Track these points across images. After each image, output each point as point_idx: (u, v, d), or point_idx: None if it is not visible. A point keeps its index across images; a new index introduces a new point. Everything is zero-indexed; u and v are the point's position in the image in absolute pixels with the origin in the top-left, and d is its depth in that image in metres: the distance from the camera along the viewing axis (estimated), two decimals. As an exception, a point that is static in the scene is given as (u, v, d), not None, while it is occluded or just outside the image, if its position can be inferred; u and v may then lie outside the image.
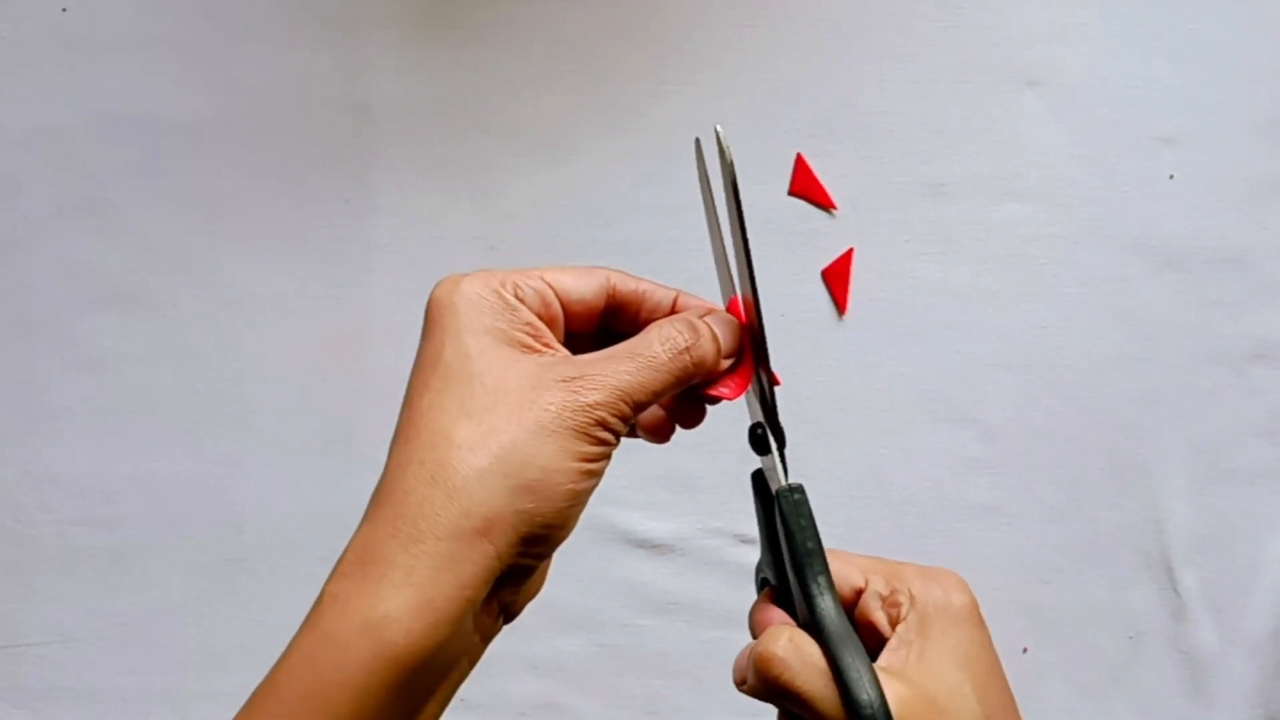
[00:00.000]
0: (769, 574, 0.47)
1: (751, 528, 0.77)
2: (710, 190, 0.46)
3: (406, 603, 0.38)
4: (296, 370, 0.77)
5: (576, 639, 0.76)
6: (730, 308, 0.47)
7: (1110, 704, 0.77)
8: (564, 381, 0.41)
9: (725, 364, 0.45)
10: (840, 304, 0.77)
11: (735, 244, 0.44)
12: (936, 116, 0.78)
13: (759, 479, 0.47)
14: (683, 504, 0.77)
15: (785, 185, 0.78)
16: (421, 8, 0.78)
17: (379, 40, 0.78)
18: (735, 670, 0.45)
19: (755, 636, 0.46)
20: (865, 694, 0.40)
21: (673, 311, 0.46)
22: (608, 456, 0.42)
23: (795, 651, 0.42)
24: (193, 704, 0.76)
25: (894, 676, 0.42)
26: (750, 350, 0.46)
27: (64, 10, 0.78)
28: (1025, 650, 0.76)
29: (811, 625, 0.43)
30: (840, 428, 0.77)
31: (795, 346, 0.77)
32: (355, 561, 0.40)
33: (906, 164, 0.78)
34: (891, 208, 0.78)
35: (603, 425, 0.41)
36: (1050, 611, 0.77)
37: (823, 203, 0.78)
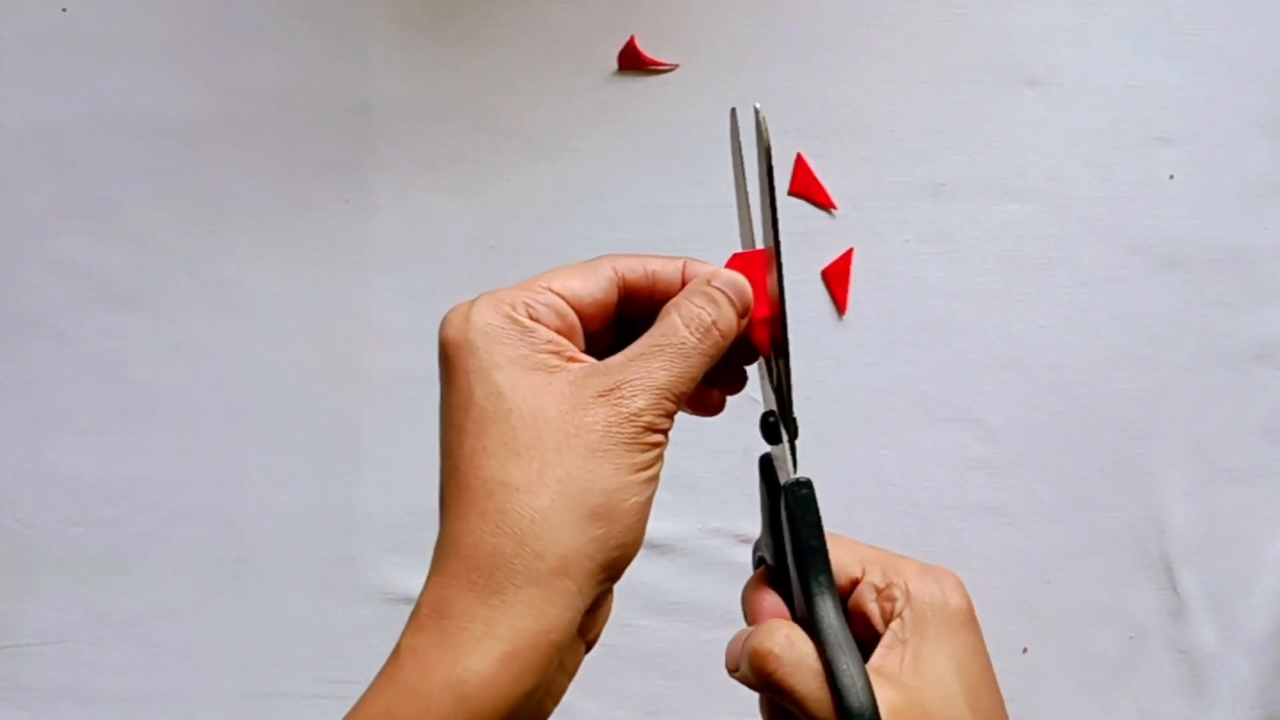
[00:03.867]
0: (767, 555, 0.47)
1: (752, 528, 0.77)
2: (742, 162, 0.46)
3: (490, 656, 0.38)
4: (296, 370, 0.77)
5: (576, 639, 0.76)
6: (731, 264, 0.45)
7: (1110, 704, 0.77)
8: (602, 396, 0.40)
9: (743, 322, 0.44)
10: (840, 304, 0.77)
11: (764, 222, 0.44)
12: (936, 116, 0.78)
13: (766, 465, 0.46)
14: (683, 504, 0.77)
15: (785, 185, 0.78)
16: (421, 8, 0.78)
17: (380, 40, 0.78)
18: (728, 656, 0.45)
19: (747, 615, 0.46)
20: (858, 700, 0.40)
21: (683, 284, 0.44)
22: (661, 458, 0.41)
23: (791, 650, 0.42)
24: (193, 704, 0.76)
25: (887, 680, 0.42)
26: (764, 290, 0.45)
27: (64, 10, 0.78)
28: (1025, 650, 0.76)
29: (808, 622, 0.43)
30: (840, 428, 0.77)
31: (795, 346, 0.76)
32: (431, 615, 0.39)
33: (906, 164, 0.78)
34: (891, 208, 0.78)
35: (650, 429, 0.40)
36: (1050, 611, 0.77)
37: (823, 203, 0.78)
